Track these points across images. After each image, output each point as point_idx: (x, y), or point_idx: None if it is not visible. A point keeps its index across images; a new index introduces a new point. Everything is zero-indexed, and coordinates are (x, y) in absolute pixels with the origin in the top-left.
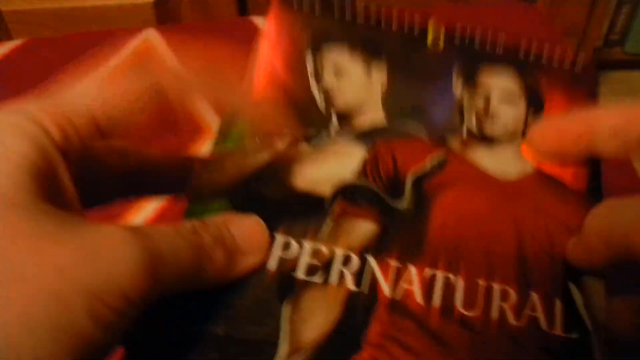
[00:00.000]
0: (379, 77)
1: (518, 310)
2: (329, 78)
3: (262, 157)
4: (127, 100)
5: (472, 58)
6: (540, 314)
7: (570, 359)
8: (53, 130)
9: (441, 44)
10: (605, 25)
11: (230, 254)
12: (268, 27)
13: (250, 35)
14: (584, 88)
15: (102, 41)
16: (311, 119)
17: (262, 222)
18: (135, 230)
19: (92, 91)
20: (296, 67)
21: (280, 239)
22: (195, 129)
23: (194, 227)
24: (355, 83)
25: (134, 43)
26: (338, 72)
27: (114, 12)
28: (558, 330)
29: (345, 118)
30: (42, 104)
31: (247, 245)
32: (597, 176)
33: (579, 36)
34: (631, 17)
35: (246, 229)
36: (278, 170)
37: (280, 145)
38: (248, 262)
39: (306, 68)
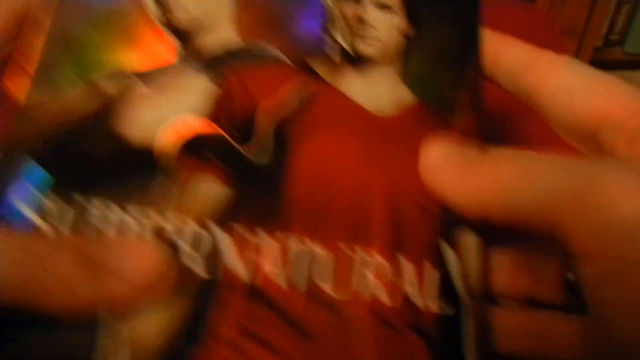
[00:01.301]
0: None
1: (392, 285)
2: None
3: (88, 106)
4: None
5: None
6: (415, 288)
7: (446, 340)
8: None
9: None
10: (605, 25)
11: (87, 266)
12: None
13: None
14: None
15: None
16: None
17: (155, 247)
18: None
19: None
20: None
21: (99, 210)
22: None
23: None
24: None
25: None
26: None
27: None
28: (433, 308)
29: (187, 38)
30: None
31: (118, 264)
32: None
33: (579, 36)
34: (631, 17)
35: (126, 245)
36: (104, 118)
37: (111, 88)
38: (117, 287)
39: None
